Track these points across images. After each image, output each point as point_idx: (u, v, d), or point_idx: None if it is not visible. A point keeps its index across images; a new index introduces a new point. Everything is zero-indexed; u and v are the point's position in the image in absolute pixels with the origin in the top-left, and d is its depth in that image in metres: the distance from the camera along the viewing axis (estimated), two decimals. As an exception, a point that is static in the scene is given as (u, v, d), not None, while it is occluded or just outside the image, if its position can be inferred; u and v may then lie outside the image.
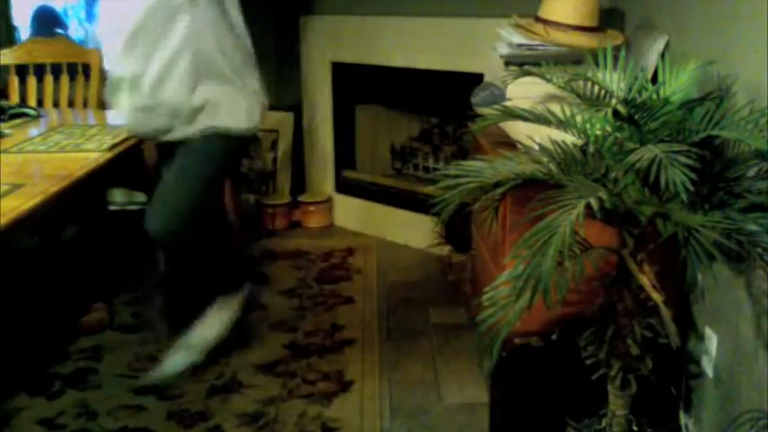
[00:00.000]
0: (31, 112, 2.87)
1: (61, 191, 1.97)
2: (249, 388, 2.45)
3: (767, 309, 1.57)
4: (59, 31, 3.93)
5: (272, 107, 2.62)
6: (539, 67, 1.75)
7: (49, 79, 3.24)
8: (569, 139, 1.63)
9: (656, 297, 1.52)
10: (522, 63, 2.17)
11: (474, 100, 2.39)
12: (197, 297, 2.50)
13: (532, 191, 1.49)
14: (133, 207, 4.15)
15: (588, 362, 1.66)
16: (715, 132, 1.48)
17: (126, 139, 2.46)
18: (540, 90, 1.88)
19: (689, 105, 1.56)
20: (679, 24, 2.15)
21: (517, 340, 1.95)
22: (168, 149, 2.38)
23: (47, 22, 4.06)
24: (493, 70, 2.46)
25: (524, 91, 2.03)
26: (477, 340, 1.52)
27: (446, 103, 3.38)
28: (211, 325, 2.50)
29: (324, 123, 3.88)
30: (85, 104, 3.28)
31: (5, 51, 3.34)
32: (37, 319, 2.85)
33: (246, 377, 2.51)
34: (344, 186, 3.93)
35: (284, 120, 4.01)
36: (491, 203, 1.62)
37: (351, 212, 3.92)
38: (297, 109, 3.99)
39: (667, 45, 2.18)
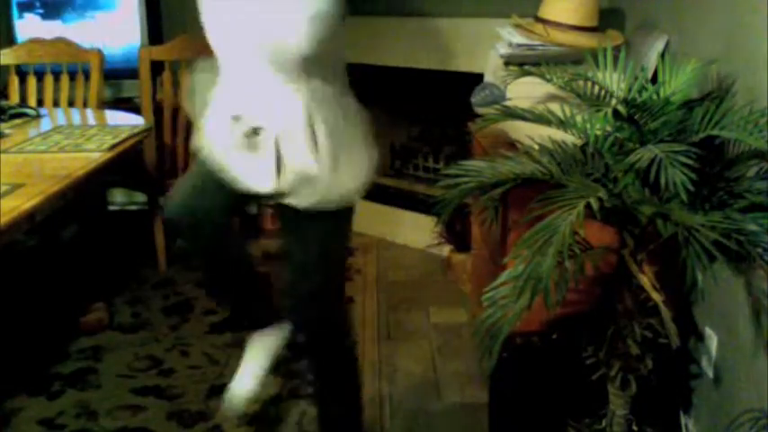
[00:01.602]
0: (31, 112, 2.87)
1: (61, 191, 1.97)
2: (249, 388, 2.45)
3: (767, 309, 1.57)
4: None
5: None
6: (539, 67, 1.75)
7: (49, 79, 3.24)
8: (569, 139, 1.63)
9: (656, 297, 1.52)
10: (522, 63, 2.16)
11: (474, 100, 2.39)
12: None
13: (532, 191, 1.49)
14: (133, 207, 4.16)
15: (588, 362, 1.67)
16: (715, 132, 1.48)
17: (126, 139, 2.45)
18: (540, 90, 1.88)
19: (689, 105, 1.56)
20: (679, 24, 2.15)
21: (517, 340, 1.95)
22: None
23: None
24: (493, 70, 2.46)
25: (524, 91, 2.03)
26: (477, 340, 1.51)
27: (446, 103, 3.37)
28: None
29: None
30: (85, 104, 3.28)
31: (5, 51, 3.34)
32: (37, 319, 2.86)
33: (246, 377, 2.51)
34: (344, 186, 3.92)
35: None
36: (491, 203, 1.62)
37: (351, 212, 3.91)
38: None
39: (667, 45, 2.18)
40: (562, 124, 1.61)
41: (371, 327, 2.85)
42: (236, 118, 1.67)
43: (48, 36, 3.41)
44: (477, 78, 2.54)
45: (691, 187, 1.30)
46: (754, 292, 1.61)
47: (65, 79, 3.28)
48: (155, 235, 3.32)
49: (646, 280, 1.54)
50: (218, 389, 2.44)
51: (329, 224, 1.77)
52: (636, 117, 1.51)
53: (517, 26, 2.38)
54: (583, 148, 1.63)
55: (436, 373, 2.55)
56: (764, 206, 1.43)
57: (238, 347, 2.67)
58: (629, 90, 1.57)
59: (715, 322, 1.84)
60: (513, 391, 1.99)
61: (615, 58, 1.65)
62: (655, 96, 1.56)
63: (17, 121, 2.74)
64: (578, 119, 1.60)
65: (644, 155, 1.38)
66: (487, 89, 2.37)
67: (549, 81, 1.70)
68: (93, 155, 2.27)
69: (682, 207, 1.40)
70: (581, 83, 1.64)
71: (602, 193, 1.40)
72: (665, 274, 1.57)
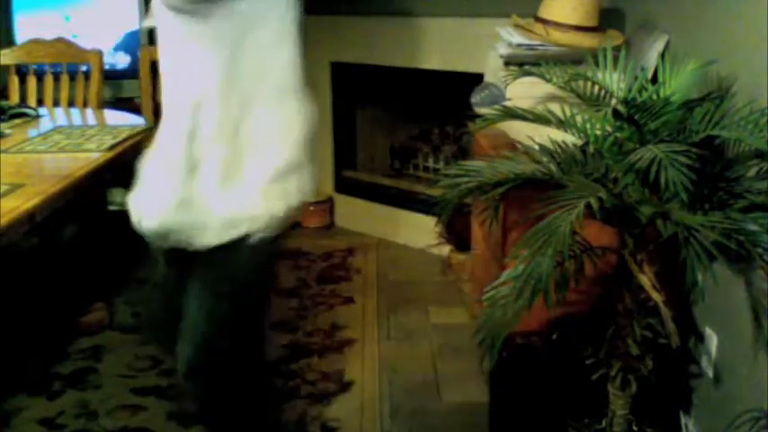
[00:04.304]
0: (31, 112, 2.87)
1: (61, 191, 1.97)
2: (249, 388, 2.45)
3: (767, 309, 1.57)
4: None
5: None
6: (539, 67, 1.75)
7: (49, 79, 3.24)
8: (569, 139, 1.63)
9: (656, 297, 1.52)
10: (522, 63, 2.17)
11: (474, 100, 2.39)
12: None
13: (532, 191, 1.49)
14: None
15: (588, 362, 1.67)
16: (715, 132, 1.48)
17: (126, 139, 2.45)
18: (540, 90, 1.88)
19: (689, 105, 1.56)
20: (679, 24, 2.15)
21: (517, 340, 1.95)
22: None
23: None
24: (493, 70, 2.46)
25: (524, 91, 2.03)
26: (477, 340, 1.51)
27: (446, 103, 3.38)
28: None
29: (323, 123, 3.88)
30: (85, 104, 3.28)
31: (5, 51, 3.34)
32: (37, 319, 2.85)
33: (246, 377, 2.51)
34: (344, 186, 3.93)
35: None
36: (491, 203, 1.62)
37: (351, 212, 3.92)
38: (297, 109, 3.99)
39: (667, 45, 2.18)
40: (562, 124, 1.61)
41: (371, 327, 2.85)
42: None
43: (47, 30, 3.41)
44: (477, 78, 2.54)
45: (690, 187, 1.30)
46: (754, 292, 1.61)
47: (65, 79, 3.28)
48: (155, 235, 3.31)
49: (646, 280, 1.54)
50: (218, 389, 2.45)
51: None
52: (636, 117, 1.51)
53: (517, 26, 2.38)
54: (583, 148, 1.63)
55: (436, 373, 2.55)
56: (764, 206, 1.43)
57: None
58: (629, 90, 1.57)
59: (715, 322, 1.84)
60: (513, 391, 1.99)
61: (615, 58, 1.65)
62: (655, 96, 1.56)
63: (17, 121, 2.74)
64: (578, 119, 1.60)
65: (644, 155, 1.38)
66: (487, 89, 2.37)
67: (548, 81, 1.70)
68: (93, 155, 2.27)
69: (682, 207, 1.41)
70: (581, 83, 1.64)
71: (603, 193, 1.40)
72: (665, 274, 1.57)
